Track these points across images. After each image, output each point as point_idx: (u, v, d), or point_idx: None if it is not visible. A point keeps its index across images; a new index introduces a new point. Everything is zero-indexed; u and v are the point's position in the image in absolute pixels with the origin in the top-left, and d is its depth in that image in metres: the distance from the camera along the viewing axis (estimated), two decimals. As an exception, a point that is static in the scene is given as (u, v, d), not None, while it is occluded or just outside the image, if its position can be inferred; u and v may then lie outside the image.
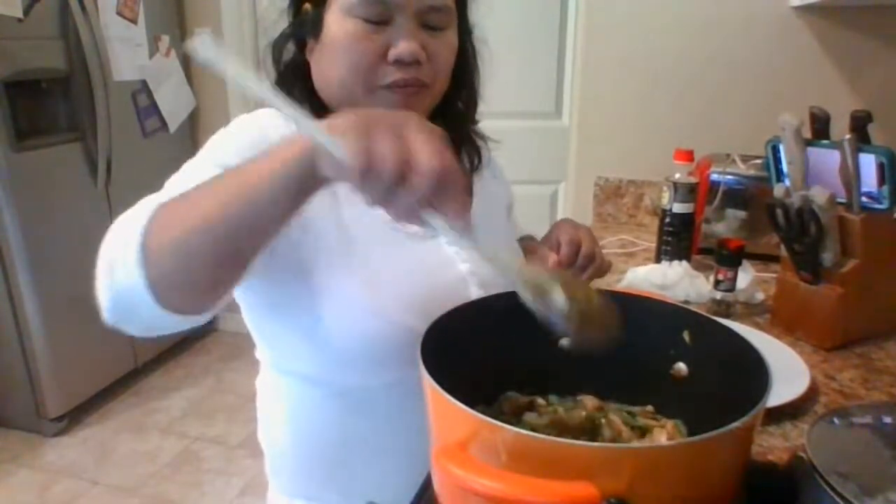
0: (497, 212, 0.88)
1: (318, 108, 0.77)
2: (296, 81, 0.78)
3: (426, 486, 0.68)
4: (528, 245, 0.98)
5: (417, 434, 0.60)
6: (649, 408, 0.70)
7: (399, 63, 0.69)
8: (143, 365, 2.81)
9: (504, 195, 0.95)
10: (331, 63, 0.73)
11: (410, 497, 0.67)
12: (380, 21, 0.69)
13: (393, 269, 0.70)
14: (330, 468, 0.82)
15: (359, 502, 0.73)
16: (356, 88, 0.71)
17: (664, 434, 0.65)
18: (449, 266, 0.75)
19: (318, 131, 0.46)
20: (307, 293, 0.69)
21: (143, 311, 0.53)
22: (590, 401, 0.71)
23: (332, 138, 0.45)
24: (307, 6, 0.74)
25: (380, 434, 0.77)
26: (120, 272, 0.52)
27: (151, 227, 0.52)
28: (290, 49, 0.80)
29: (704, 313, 0.68)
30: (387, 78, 0.70)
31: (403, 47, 0.68)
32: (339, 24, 0.70)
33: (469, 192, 0.47)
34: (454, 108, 0.81)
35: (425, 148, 0.45)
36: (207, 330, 3.18)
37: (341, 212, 0.72)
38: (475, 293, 0.75)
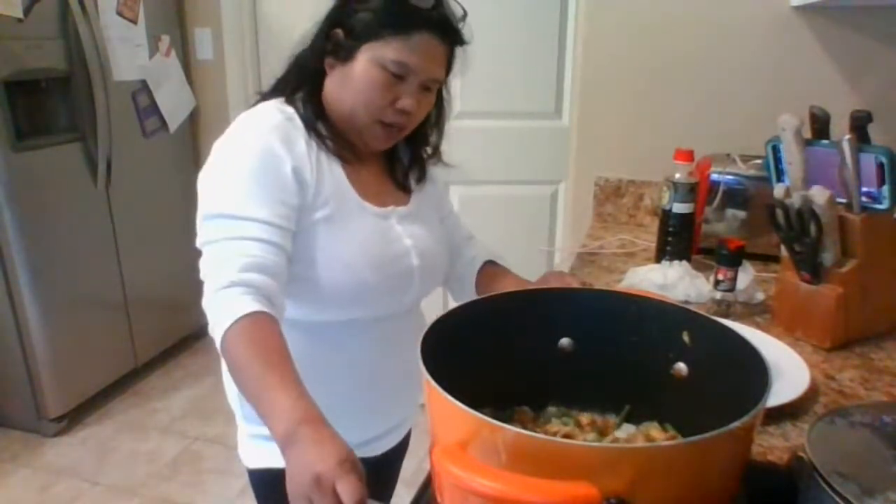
0: (430, 214, 1.09)
1: (320, 111, 0.95)
2: (304, 84, 0.95)
3: (426, 486, 0.68)
4: (496, 271, 1.12)
5: (365, 365, 0.98)
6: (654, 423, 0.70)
7: (401, 111, 0.92)
8: (143, 365, 2.81)
9: (436, 198, 1.14)
10: (350, 93, 0.92)
11: (360, 423, 0.97)
12: (398, 76, 0.90)
13: (361, 236, 0.93)
14: None
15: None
16: (363, 118, 0.92)
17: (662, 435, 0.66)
18: (398, 239, 0.98)
19: None
20: (309, 248, 0.90)
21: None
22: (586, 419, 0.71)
23: None
24: (338, 31, 0.92)
25: (335, 362, 0.97)
26: (213, 322, 0.79)
27: (226, 340, 0.77)
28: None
29: (704, 313, 0.68)
30: (387, 118, 0.93)
31: (408, 103, 0.91)
32: (369, 69, 0.89)
33: None
34: (419, 137, 1.05)
35: None
36: (207, 330, 3.17)
37: (328, 192, 0.92)
38: (415, 261, 0.98)
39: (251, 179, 0.85)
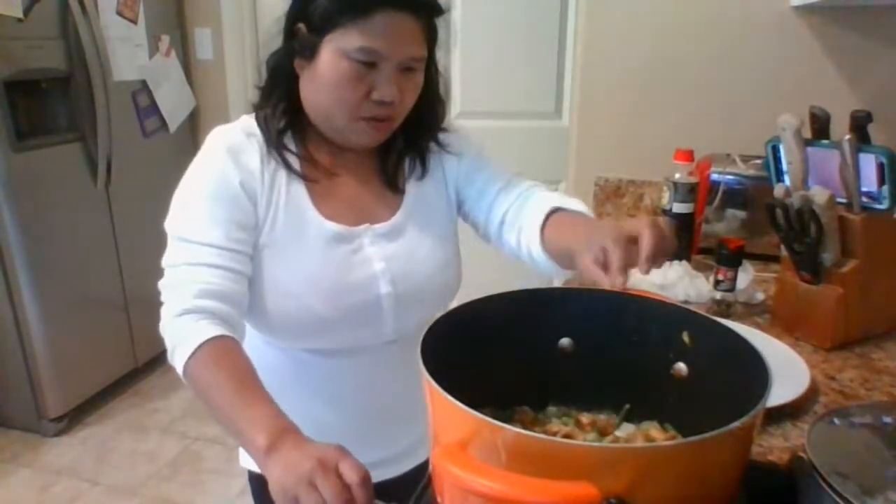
0: (428, 220, 0.96)
1: (296, 119, 0.88)
2: (276, 90, 0.88)
3: (426, 486, 0.68)
4: (560, 220, 0.88)
5: (347, 394, 0.94)
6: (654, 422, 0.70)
7: (380, 102, 0.82)
8: (143, 365, 2.81)
9: (444, 198, 1.00)
10: (321, 92, 0.84)
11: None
12: (367, 64, 0.80)
13: (308, 264, 0.86)
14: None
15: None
16: (341, 118, 0.84)
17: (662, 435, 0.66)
18: (363, 264, 0.88)
19: None
20: (256, 274, 0.85)
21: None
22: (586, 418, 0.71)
23: None
24: (301, 26, 0.83)
25: (313, 385, 0.94)
26: (172, 349, 0.78)
27: (189, 367, 0.74)
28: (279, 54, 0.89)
29: (704, 313, 0.67)
30: (367, 112, 0.83)
31: (386, 91, 0.82)
32: (334, 62, 0.81)
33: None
34: (413, 125, 0.92)
35: None
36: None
37: (279, 214, 0.86)
38: (384, 289, 0.88)
39: (207, 202, 0.83)
